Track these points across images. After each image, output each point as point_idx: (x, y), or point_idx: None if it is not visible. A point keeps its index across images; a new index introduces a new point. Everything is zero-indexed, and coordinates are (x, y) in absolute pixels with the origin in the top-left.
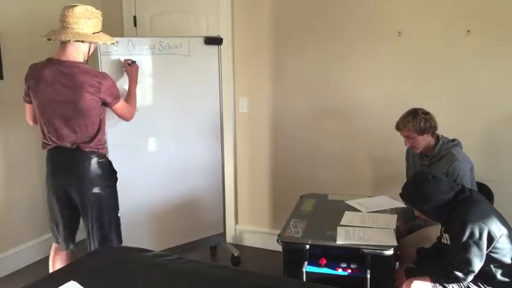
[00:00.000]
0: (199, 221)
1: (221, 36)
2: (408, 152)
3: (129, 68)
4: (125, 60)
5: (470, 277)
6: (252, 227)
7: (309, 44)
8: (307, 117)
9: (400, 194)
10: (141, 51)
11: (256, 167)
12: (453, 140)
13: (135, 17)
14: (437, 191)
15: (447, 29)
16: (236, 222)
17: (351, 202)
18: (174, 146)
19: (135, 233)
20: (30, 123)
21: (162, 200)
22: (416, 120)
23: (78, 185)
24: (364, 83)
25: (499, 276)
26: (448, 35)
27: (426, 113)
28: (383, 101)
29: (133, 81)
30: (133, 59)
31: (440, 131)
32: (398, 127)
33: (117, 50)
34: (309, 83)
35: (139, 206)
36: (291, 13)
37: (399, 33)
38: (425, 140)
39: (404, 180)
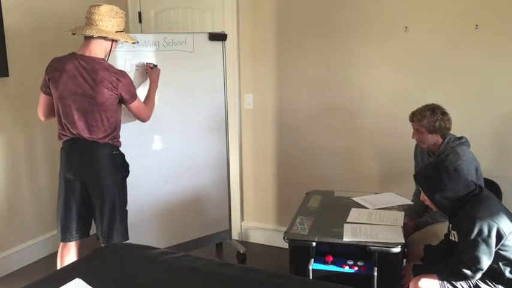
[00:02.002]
0: (204, 218)
1: (226, 32)
2: (416, 149)
3: (151, 71)
4: (147, 63)
5: (479, 275)
6: (257, 224)
7: (314, 40)
8: (313, 114)
9: (415, 175)
10: (145, 47)
11: (262, 163)
12: (460, 137)
13: (140, 13)
14: (453, 185)
15: (454, 24)
16: (242, 219)
17: (357, 199)
18: (178, 143)
19: (140, 231)
20: (42, 118)
21: (167, 197)
22: (432, 118)
23: (92, 175)
24: (370, 78)
25: (507, 274)
26: (456, 30)
27: (444, 114)
28: (389, 97)
29: (153, 85)
30: (155, 63)
31: None
32: (412, 118)
33: (122, 46)
34: (314, 78)
35: (144, 203)
36: (297, 9)
37: (406, 28)
38: (433, 139)
39: (412, 177)
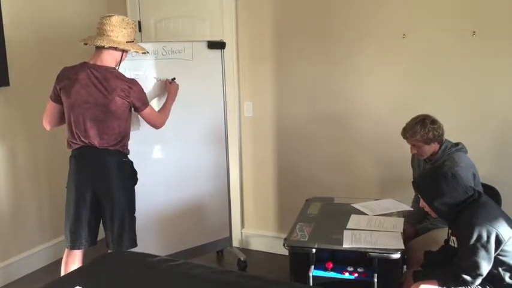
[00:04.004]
0: (205, 225)
1: (225, 41)
2: (413, 156)
3: (169, 85)
4: (166, 79)
5: (478, 280)
6: (258, 231)
7: (313, 47)
8: (312, 121)
9: (413, 182)
10: (144, 56)
11: (262, 170)
12: (457, 144)
13: (139, 22)
14: (452, 191)
15: (452, 31)
16: (242, 226)
17: (357, 205)
18: (179, 151)
19: (141, 238)
20: (47, 126)
21: (167, 205)
22: (424, 131)
23: (102, 182)
24: (368, 86)
25: (507, 279)
26: (453, 36)
27: (434, 122)
28: (388, 104)
29: (170, 97)
30: (174, 77)
31: (448, 134)
32: (405, 135)
33: None
34: (313, 86)
35: (145, 211)
36: (295, 17)
37: (403, 35)
38: (431, 148)
39: (410, 183)
